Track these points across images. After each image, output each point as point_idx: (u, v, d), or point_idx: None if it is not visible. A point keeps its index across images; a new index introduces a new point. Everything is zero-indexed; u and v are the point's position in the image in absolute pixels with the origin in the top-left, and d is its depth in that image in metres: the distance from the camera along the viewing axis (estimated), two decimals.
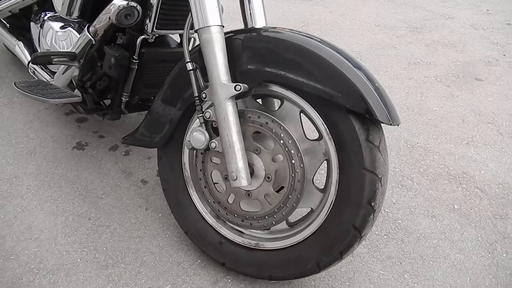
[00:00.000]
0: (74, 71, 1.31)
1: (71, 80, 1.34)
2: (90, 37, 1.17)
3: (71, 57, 1.19)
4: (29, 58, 1.55)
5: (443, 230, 1.22)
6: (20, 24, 1.66)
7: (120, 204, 1.30)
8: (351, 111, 0.83)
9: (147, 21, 1.11)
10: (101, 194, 1.33)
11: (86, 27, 1.18)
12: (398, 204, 1.33)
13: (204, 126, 0.95)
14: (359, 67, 0.86)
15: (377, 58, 2.09)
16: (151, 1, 1.09)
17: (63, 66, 1.30)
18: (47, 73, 1.47)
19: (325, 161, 0.95)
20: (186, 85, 0.99)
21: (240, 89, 0.87)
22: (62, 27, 1.33)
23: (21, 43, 1.58)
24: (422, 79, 1.96)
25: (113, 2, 1.09)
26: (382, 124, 0.85)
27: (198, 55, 0.94)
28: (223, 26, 0.90)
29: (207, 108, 0.95)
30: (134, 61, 1.17)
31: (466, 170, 1.47)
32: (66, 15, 1.23)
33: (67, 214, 1.25)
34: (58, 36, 1.33)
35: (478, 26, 2.42)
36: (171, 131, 1.06)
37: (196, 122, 0.99)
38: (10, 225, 1.20)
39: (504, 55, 2.15)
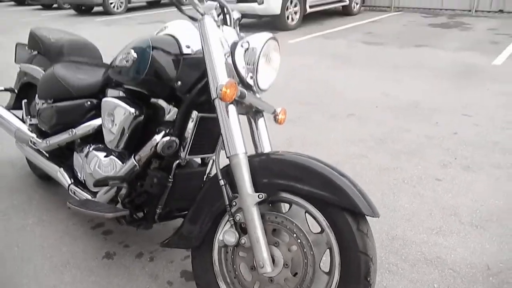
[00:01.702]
0: (115, 189, 1.62)
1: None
2: (135, 163, 1.51)
3: (121, 180, 1.51)
4: (69, 182, 1.85)
5: None
6: (59, 153, 1.99)
7: None
8: (344, 208, 1.16)
9: (182, 149, 1.47)
10: None
11: (132, 156, 1.52)
12: (388, 287, 1.58)
13: (234, 227, 1.24)
14: (344, 175, 1.21)
15: (353, 166, 2.51)
16: (185, 135, 1.46)
17: (106, 186, 1.61)
18: (86, 193, 1.77)
19: (328, 249, 1.24)
20: (216, 196, 1.31)
21: (262, 197, 1.20)
22: (105, 156, 1.67)
23: (62, 169, 1.90)
24: (392, 181, 2.36)
25: (155, 137, 1.46)
26: (367, 217, 1.17)
27: (226, 173, 1.29)
28: (246, 152, 1.26)
29: (235, 213, 1.26)
30: (170, 180, 1.49)
31: (439, 255, 1.76)
32: (115, 147, 1.58)
33: None
34: (102, 163, 1.66)
35: (430, 136, 2.94)
36: (204, 234, 1.34)
37: (226, 224, 1.29)
38: None
39: (455, 158, 2.61)
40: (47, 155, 2.04)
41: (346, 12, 8.89)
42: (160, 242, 1.43)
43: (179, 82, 1.41)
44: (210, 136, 1.53)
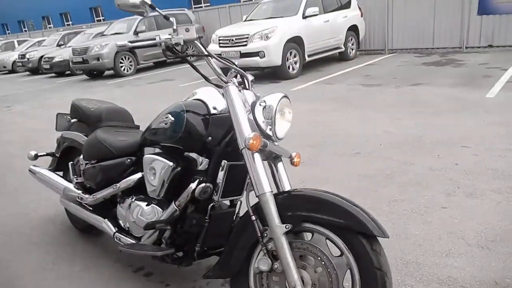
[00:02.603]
0: (157, 233, 1.86)
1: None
2: (176, 208, 1.76)
3: (166, 223, 1.75)
4: (114, 230, 2.09)
5: None
6: (102, 206, 2.25)
7: None
8: (360, 233, 1.38)
9: (215, 193, 1.72)
10: None
11: (173, 202, 1.77)
12: None
13: (267, 255, 1.47)
14: (355, 205, 1.44)
15: (364, 199, 2.72)
16: (217, 181, 1.72)
17: (151, 230, 1.85)
18: (130, 238, 2.00)
19: (348, 269, 1.44)
20: (249, 231, 1.54)
21: (289, 227, 1.43)
22: (147, 205, 1.92)
23: (106, 220, 2.15)
24: (402, 212, 2.56)
25: (191, 185, 1.72)
26: (378, 238, 1.39)
27: (255, 210, 1.53)
28: (272, 191, 1.51)
29: (267, 243, 1.48)
30: (206, 220, 1.73)
31: (450, 275, 1.94)
32: (156, 196, 1.83)
33: None
34: (144, 211, 1.91)
35: (433, 168, 3.17)
36: (241, 264, 1.56)
37: (260, 254, 1.51)
38: None
39: (458, 187, 2.82)
40: (91, 208, 2.30)
41: (343, 57, 9.42)
42: (203, 275, 1.64)
43: (210, 138, 1.69)
44: (237, 181, 1.78)
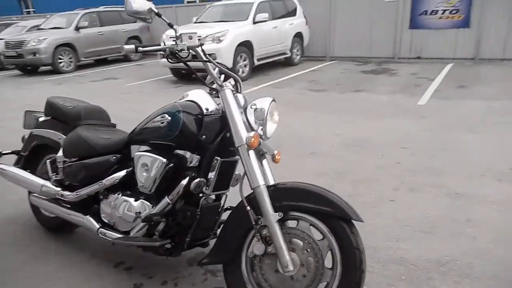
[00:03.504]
0: (146, 227, 1.97)
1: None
2: (169, 201, 1.89)
3: (161, 216, 1.88)
4: (97, 226, 2.15)
5: None
6: (83, 202, 2.28)
7: None
8: (340, 217, 1.63)
9: (206, 188, 1.89)
10: None
11: (166, 196, 1.90)
12: (369, 283, 2.05)
13: (261, 240, 1.67)
14: (336, 195, 1.70)
15: None
16: (209, 177, 1.89)
17: (141, 223, 1.95)
18: (115, 233, 2.08)
19: (329, 251, 1.69)
20: (242, 219, 1.73)
21: (281, 215, 1.65)
22: (135, 200, 2.02)
23: (88, 217, 2.19)
24: (357, 205, 2.89)
25: (184, 180, 1.86)
26: (355, 222, 1.65)
27: (248, 201, 1.72)
28: (269, 186, 1.71)
29: (261, 229, 1.68)
30: (198, 213, 1.89)
31: (402, 256, 2.28)
32: (148, 191, 1.95)
33: None
34: (133, 206, 2.01)
35: (380, 166, 3.58)
36: (234, 250, 1.74)
37: (254, 240, 1.70)
38: None
39: (402, 183, 3.23)
40: (69, 206, 2.32)
41: (288, 63, 9.86)
42: (198, 262, 1.79)
43: (204, 136, 1.85)
44: (226, 176, 1.96)
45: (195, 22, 9.01)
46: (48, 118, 2.57)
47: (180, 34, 1.79)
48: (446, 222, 2.62)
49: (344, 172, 3.50)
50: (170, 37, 8.15)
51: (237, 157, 1.92)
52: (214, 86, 1.91)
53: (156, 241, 1.89)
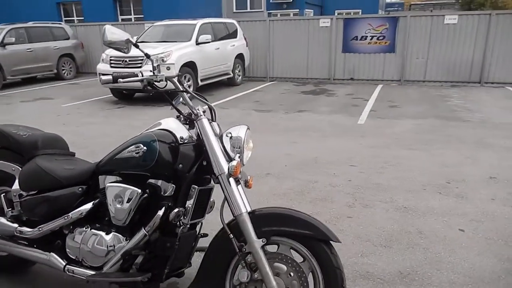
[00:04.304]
0: (121, 261, 1.89)
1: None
2: (146, 233, 1.84)
3: (140, 249, 1.82)
4: (64, 263, 2.01)
5: None
6: (43, 238, 2.12)
7: None
8: (319, 239, 1.71)
9: (185, 217, 1.87)
10: None
11: (142, 228, 1.84)
12: None
13: (246, 267, 1.69)
14: (313, 218, 1.78)
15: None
16: (187, 205, 1.87)
17: (116, 258, 1.87)
18: (85, 269, 1.97)
19: (311, 272, 1.76)
20: (226, 247, 1.74)
21: (265, 241, 1.69)
22: (107, 233, 1.94)
23: (53, 254, 2.05)
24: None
25: (160, 210, 1.83)
26: (333, 243, 1.74)
27: (230, 228, 1.74)
28: (250, 213, 1.74)
29: (245, 256, 1.71)
30: (177, 243, 1.86)
31: (368, 270, 2.42)
32: (122, 223, 1.88)
33: None
34: (104, 239, 1.92)
35: (333, 184, 3.77)
36: (218, 278, 1.74)
37: (238, 267, 1.72)
38: None
39: (355, 199, 3.43)
40: (26, 243, 2.15)
41: (231, 83, 10.01)
42: None
43: (181, 165, 1.85)
44: (202, 204, 1.96)
45: (136, 42, 8.81)
46: None
47: (158, 65, 1.80)
48: (401, 235, 2.83)
49: (301, 191, 3.63)
50: (111, 57, 7.90)
51: (212, 184, 1.95)
52: (186, 114, 1.93)
53: (137, 275, 1.82)
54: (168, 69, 1.81)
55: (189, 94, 1.99)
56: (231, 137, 1.89)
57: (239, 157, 1.87)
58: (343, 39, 10.51)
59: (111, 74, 1.75)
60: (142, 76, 1.78)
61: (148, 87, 1.80)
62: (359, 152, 4.75)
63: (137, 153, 1.85)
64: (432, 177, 3.91)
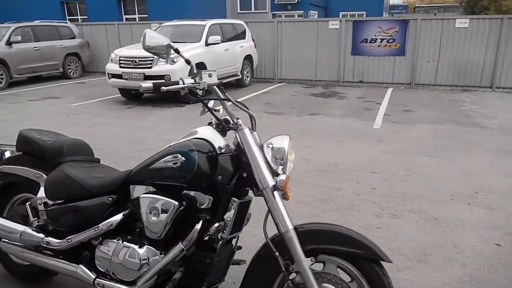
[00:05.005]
0: (155, 277, 1.79)
1: None
2: (184, 247, 1.73)
3: (177, 264, 1.71)
4: (93, 276, 1.91)
5: None
6: (73, 251, 2.01)
7: None
8: (371, 259, 1.61)
9: (224, 231, 1.76)
10: None
11: (180, 242, 1.73)
12: None
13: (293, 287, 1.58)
14: (361, 235, 1.67)
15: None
16: (226, 219, 1.76)
17: (150, 273, 1.76)
18: (116, 284, 1.86)
19: None
20: (270, 265, 1.63)
21: (314, 261, 1.58)
22: (140, 246, 1.83)
23: (81, 266, 1.94)
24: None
25: (199, 224, 1.72)
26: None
27: (275, 245, 1.63)
28: (296, 229, 1.63)
29: (292, 276, 1.60)
30: (216, 258, 1.75)
31: (405, 286, 2.31)
32: (158, 236, 1.77)
33: None
34: (137, 253, 1.81)
35: (357, 192, 3.66)
36: None
37: (285, 286, 1.61)
38: None
39: (383, 209, 3.32)
40: (52, 254, 2.04)
41: (239, 84, 9.90)
42: None
43: (220, 177, 1.74)
44: (240, 218, 1.85)
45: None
46: (19, 153, 2.27)
47: (199, 71, 1.70)
48: (435, 249, 2.72)
49: (324, 199, 3.51)
50: (120, 57, 7.78)
51: (250, 196, 1.84)
52: (227, 123, 1.84)
53: None
54: (210, 76, 1.70)
55: (229, 102, 1.87)
56: (272, 148, 1.78)
57: (282, 169, 1.76)
58: (353, 41, 10.40)
59: (152, 83, 1.64)
60: (184, 83, 1.67)
61: (189, 95, 1.70)
62: (379, 158, 4.63)
63: (174, 163, 1.74)
64: (458, 186, 3.79)
